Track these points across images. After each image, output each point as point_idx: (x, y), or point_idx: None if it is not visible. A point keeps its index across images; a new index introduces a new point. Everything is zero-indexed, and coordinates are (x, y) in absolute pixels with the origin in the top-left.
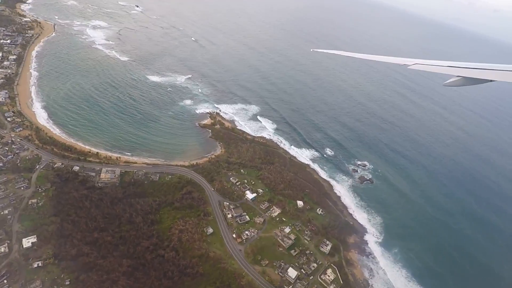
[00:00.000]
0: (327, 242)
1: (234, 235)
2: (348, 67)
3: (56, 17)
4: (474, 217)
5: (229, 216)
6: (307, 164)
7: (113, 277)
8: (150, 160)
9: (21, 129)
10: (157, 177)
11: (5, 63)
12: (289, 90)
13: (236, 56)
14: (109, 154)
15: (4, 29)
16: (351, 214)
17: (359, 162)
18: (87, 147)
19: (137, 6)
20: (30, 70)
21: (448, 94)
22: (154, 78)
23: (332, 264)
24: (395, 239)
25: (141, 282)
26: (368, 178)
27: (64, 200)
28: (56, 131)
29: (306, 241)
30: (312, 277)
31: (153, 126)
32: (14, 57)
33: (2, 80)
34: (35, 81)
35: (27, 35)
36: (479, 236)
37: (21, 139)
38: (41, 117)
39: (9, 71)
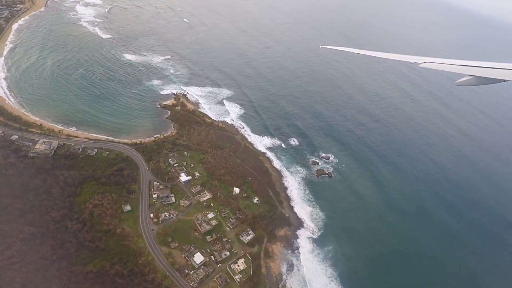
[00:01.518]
0: (250, 232)
1: (151, 215)
2: (352, 61)
3: None
4: (438, 230)
5: (155, 196)
6: (262, 152)
7: (10, 242)
8: (93, 136)
9: None
10: (94, 152)
11: None
12: (271, 77)
13: (225, 39)
14: (53, 126)
15: None
16: (292, 207)
17: (323, 155)
18: (35, 118)
19: None
20: (6, 42)
21: (458, 93)
22: (129, 57)
23: (247, 254)
24: (332, 238)
25: (35, 249)
26: (327, 172)
27: None
28: (10, 102)
29: (227, 228)
30: (220, 265)
31: (109, 104)
32: None
33: None
34: (6, 53)
35: (15, 8)
36: (434, 248)
37: None
38: (11, 90)
39: None
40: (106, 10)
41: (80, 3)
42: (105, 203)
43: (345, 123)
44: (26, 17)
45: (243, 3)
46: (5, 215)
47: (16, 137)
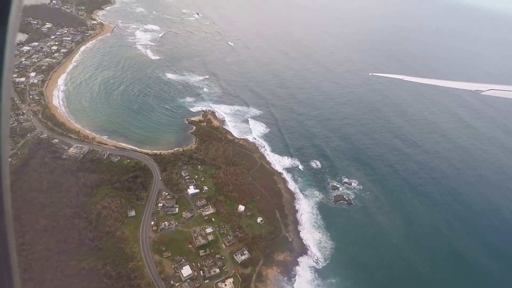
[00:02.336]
0: (245, 252)
1: (152, 223)
2: (398, 83)
3: (120, 21)
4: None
5: (160, 205)
6: (278, 172)
7: (25, 230)
8: (120, 144)
9: (35, 105)
10: (117, 159)
11: (55, 54)
12: (302, 98)
13: (263, 61)
14: (89, 134)
15: (72, 28)
16: (298, 231)
17: (345, 180)
18: (76, 126)
19: (197, 14)
20: (72, 61)
21: None
22: (170, 76)
23: (238, 275)
24: (339, 271)
25: (43, 240)
26: (346, 198)
27: (28, 162)
28: (61, 110)
29: (223, 245)
30: (208, 281)
31: (141, 117)
32: (65, 50)
33: (44, 67)
34: (69, 70)
35: (86, 34)
36: None
37: (25, 112)
38: (56, 98)
39: (54, 60)
40: (160, 35)
41: (140, 29)
42: (112, 206)
43: (377, 148)
44: (94, 41)
45: (291, 28)
46: (28, 207)
47: (57, 140)
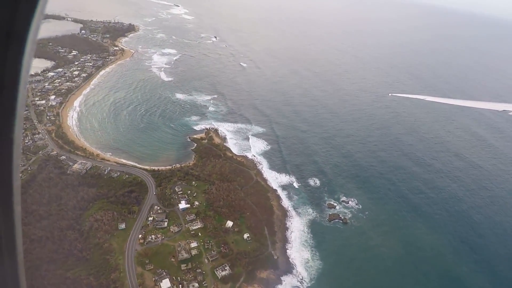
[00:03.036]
0: (226, 268)
1: (140, 236)
2: (413, 100)
3: (140, 46)
4: None
5: (150, 219)
6: (273, 189)
7: (22, 241)
8: (122, 161)
9: (50, 125)
10: (116, 175)
11: (75, 79)
12: (307, 116)
13: (273, 80)
14: (94, 151)
15: (95, 55)
16: (286, 249)
17: (343, 198)
18: (84, 143)
19: (215, 37)
20: (90, 84)
21: None
22: (179, 96)
23: None
24: None
25: (36, 250)
26: (342, 217)
27: (35, 177)
28: (73, 129)
29: (206, 260)
30: None
31: (145, 136)
32: (85, 75)
33: (64, 90)
34: (86, 92)
35: (107, 59)
36: None
37: (41, 131)
38: (70, 118)
39: (74, 84)
40: (175, 58)
41: (157, 53)
42: (104, 219)
43: (381, 166)
44: (113, 65)
45: (306, 47)
46: (28, 218)
47: (64, 157)
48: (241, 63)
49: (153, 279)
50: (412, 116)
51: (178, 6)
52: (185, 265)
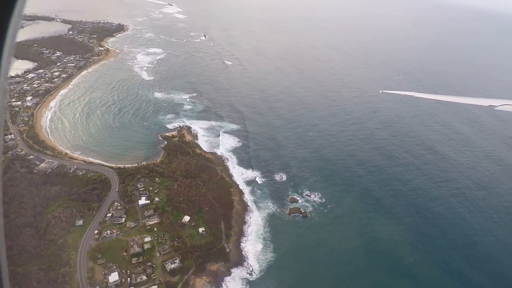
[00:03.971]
0: (176, 261)
1: (96, 231)
2: (397, 97)
3: (126, 46)
4: None
5: (109, 215)
6: (237, 185)
7: None
8: (89, 159)
9: (23, 125)
10: (82, 173)
11: (55, 80)
12: (282, 112)
13: (254, 77)
14: (63, 150)
15: (79, 55)
16: (239, 243)
17: (307, 193)
18: (54, 143)
19: (204, 36)
20: (69, 84)
21: None
22: (158, 95)
23: (164, 283)
24: (272, 283)
25: None
26: (302, 211)
27: (2, 176)
28: (45, 130)
29: (158, 254)
30: (132, 287)
31: (117, 134)
32: (65, 75)
33: (42, 91)
34: (64, 92)
35: (90, 60)
36: None
37: (12, 132)
38: (45, 119)
39: (52, 85)
40: (159, 57)
41: (142, 52)
42: (62, 216)
43: (350, 160)
44: (96, 65)
45: (296, 45)
46: None
47: (32, 156)
48: (226, 61)
49: (103, 272)
50: (392, 111)
51: (172, 5)
52: (137, 259)
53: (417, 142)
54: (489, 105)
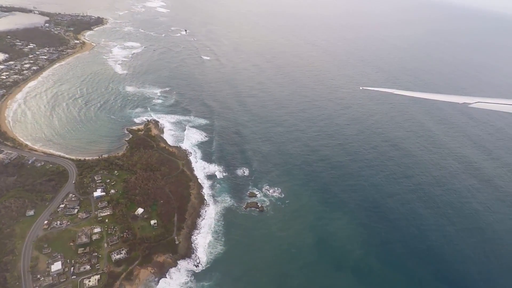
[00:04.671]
0: (122, 251)
1: (46, 222)
2: (370, 93)
3: (103, 39)
4: None
5: (62, 206)
6: (197, 179)
7: None
8: (49, 151)
9: None
10: (40, 164)
11: (24, 71)
12: (251, 107)
13: (229, 73)
14: (24, 142)
15: (53, 48)
16: (190, 235)
17: (267, 187)
18: (15, 134)
19: (185, 31)
20: (39, 77)
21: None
22: (129, 89)
23: (107, 273)
24: (217, 275)
25: None
26: (259, 205)
27: None
28: (8, 121)
29: (105, 244)
30: (75, 277)
31: (81, 127)
32: (36, 67)
33: (10, 82)
34: (32, 84)
35: (63, 53)
36: None
37: None
38: (9, 110)
39: (21, 77)
40: (136, 51)
41: (118, 46)
42: (13, 206)
43: (313, 156)
44: (70, 58)
45: (278, 41)
46: None
47: None
48: (203, 57)
49: (47, 262)
50: (364, 108)
51: None
52: (83, 249)
53: (385, 139)
54: (464, 102)
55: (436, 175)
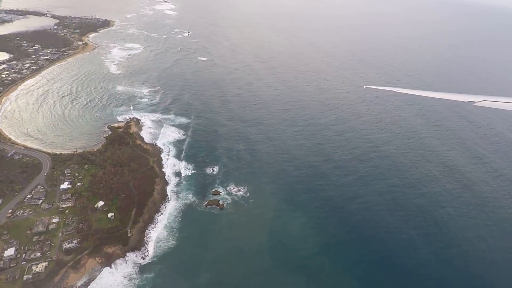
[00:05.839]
0: (73, 241)
1: (10, 211)
2: (367, 96)
3: (105, 41)
4: None
5: (29, 196)
6: (165, 175)
7: None
8: (29, 145)
9: None
10: (18, 157)
11: (23, 71)
12: (234, 106)
13: (220, 74)
14: (7, 136)
15: (56, 49)
16: (145, 229)
17: (232, 186)
18: (1, 128)
19: (187, 32)
20: (37, 76)
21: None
22: (120, 88)
23: (55, 260)
24: (161, 268)
25: None
26: (220, 204)
27: None
28: None
29: (60, 234)
30: (24, 262)
31: (63, 125)
32: (36, 67)
33: (8, 80)
34: (29, 83)
35: (65, 53)
36: None
37: None
38: (4, 109)
39: (19, 75)
40: (134, 52)
41: (118, 47)
42: None
43: (288, 156)
44: (70, 59)
45: (279, 42)
46: None
47: None
48: (199, 57)
49: (3, 247)
50: (353, 108)
51: (168, 2)
52: (38, 237)
53: (368, 140)
54: (469, 101)
55: (415, 178)
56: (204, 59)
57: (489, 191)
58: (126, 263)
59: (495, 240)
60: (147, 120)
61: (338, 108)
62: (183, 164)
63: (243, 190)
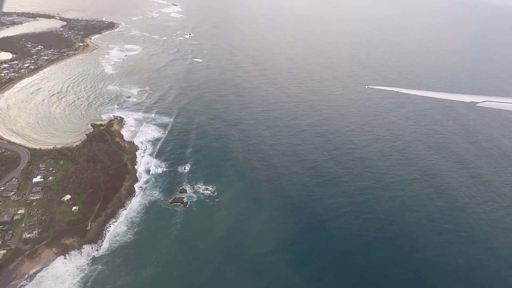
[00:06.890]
0: (33, 232)
1: None
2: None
3: (106, 42)
4: None
5: (2, 188)
6: (136, 172)
7: None
8: (13, 140)
9: None
10: (1, 151)
11: (22, 70)
12: (218, 106)
13: (211, 75)
14: None
15: (57, 50)
16: (106, 223)
17: (201, 185)
18: None
19: (188, 35)
20: (33, 76)
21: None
22: (110, 88)
23: (14, 249)
24: (111, 261)
25: None
26: (185, 201)
27: None
28: None
29: (23, 225)
30: None
31: (52, 121)
32: (34, 67)
33: (5, 79)
34: (25, 81)
35: (65, 54)
36: None
37: None
38: None
39: (17, 74)
40: (131, 54)
41: (117, 48)
42: None
43: (263, 155)
44: (70, 59)
45: (279, 45)
46: None
47: None
48: (195, 59)
49: None
50: (341, 110)
51: (176, 5)
52: (2, 226)
53: (350, 142)
54: (471, 102)
55: (391, 181)
56: (200, 60)
57: (469, 197)
58: (80, 254)
59: (463, 247)
60: (130, 118)
61: (324, 110)
62: (156, 162)
63: (211, 188)
